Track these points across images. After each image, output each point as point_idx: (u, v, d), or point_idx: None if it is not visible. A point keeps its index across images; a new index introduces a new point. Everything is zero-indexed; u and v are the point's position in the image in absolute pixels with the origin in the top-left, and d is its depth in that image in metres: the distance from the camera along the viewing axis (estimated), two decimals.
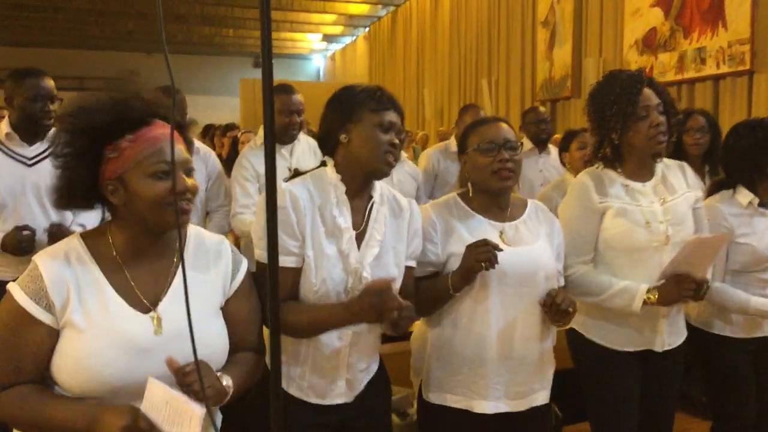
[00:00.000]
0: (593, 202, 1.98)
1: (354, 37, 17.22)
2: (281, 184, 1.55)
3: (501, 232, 1.76)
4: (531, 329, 1.74)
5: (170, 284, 1.30)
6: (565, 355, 2.16)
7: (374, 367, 1.70)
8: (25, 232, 2.44)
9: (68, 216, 2.46)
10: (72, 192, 1.25)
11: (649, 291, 1.89)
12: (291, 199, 1.51)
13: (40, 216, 2.52)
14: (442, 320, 1.78)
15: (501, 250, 1.62)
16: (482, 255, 1.60)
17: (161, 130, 1.26)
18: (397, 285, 1.59)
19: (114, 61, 17.66)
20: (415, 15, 13.20)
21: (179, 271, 1.31)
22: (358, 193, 1.61)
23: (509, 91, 9.75)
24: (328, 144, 1.62)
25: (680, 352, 2.07)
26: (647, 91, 1.95)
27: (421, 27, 12.90)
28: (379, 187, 1.67)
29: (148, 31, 14.79)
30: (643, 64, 6.75)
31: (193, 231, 1.40)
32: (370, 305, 1.46)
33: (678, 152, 2.98)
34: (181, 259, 1.07)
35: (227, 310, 1.38)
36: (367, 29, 16.07)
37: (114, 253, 1.27)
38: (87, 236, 1.30)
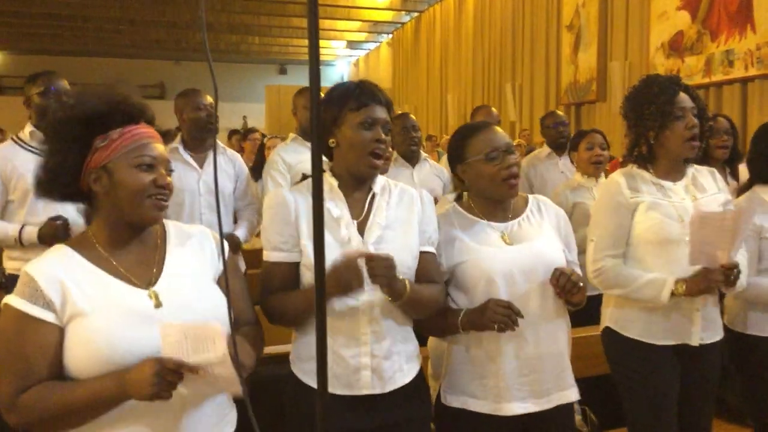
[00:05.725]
0: (625, 197, 2.02)
1: (378, 44, 17.35)
2: (276, 189, 1.68)
3: (503, 233, 1.77)
4: (545, 325, 1.74)
5: (162, 267, 1.36)
6: (601, 360, 2.16)
7: (411, 369, 1.65)
8: (59, 222, 2.53)
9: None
10: (56, 179, 1.31)
11: (677, 282, 1.91)
12: (278, 201, 1.61)
13: (67, 206, 2.60)
14: None
15: (522, 316, 1.62)
16: (499, 317, 1.61)
17: (147, 130, 1.35)
18: (411, 270, 1.61)
19: (143, 69, 18.02)
20: (439, 21, 13.26)
21: (168, 252, 1.39)
22: (356, 187, 1.64)
23: (533, 95, 9.75)
24: (323, 149, 1.64)
25: (716, 351, 2.06)
26: (683, 95, 2.01)
27: (445, 33, 12.96)
28: (382, 179, 1.70)
29: (176, 39, 15.05)
30: (669, 68, 6.70)
31: (171, 223, 1.46)
32: (336, 277, 1.45)
33: (703, 155, 2.97)
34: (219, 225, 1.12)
35: (221, 287, 1.44)
36: (391, 36, 16.18)
37: (99, 248, 1.33)
38: (70, 242, 1.37)
